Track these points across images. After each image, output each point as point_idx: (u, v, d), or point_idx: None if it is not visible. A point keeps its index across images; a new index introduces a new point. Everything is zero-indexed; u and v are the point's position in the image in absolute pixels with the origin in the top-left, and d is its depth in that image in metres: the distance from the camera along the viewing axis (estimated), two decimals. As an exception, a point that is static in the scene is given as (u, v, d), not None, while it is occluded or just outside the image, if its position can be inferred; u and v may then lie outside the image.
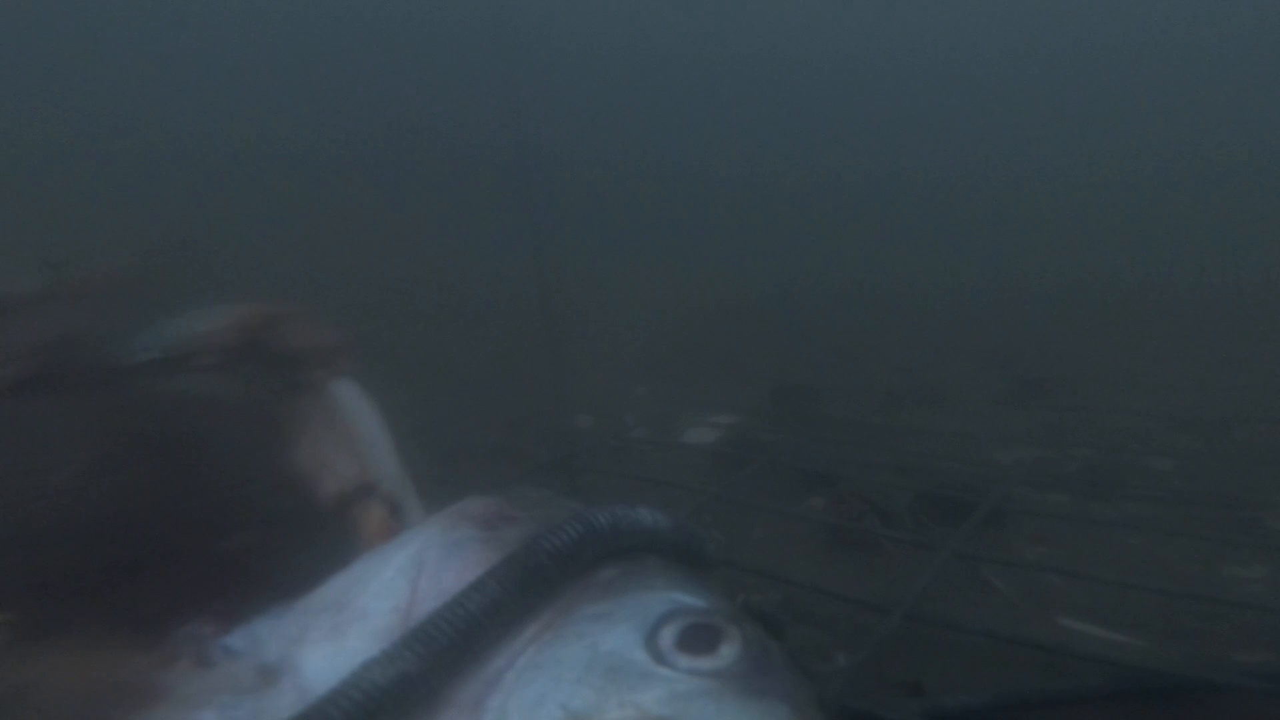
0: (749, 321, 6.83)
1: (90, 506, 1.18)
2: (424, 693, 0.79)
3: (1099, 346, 5.28)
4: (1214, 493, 2.69)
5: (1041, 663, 1.68)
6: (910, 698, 1.56)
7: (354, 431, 1.37)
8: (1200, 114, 13.61)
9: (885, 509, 2.59)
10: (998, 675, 1.65)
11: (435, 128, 12.35)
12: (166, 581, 1.12)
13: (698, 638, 0.82)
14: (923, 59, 16.18)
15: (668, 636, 0.82)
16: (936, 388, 4.37)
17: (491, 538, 1.02)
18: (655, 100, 15.57)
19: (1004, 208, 11.91)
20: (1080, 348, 5.29)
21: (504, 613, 0.84)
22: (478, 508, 1.11)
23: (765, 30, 16.82)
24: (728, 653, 0.81)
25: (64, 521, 1.16)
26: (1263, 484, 2.71)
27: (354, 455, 1.31)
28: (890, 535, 2.41)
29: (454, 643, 0.81)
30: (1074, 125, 14.31)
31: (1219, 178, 11.54)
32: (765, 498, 2.77)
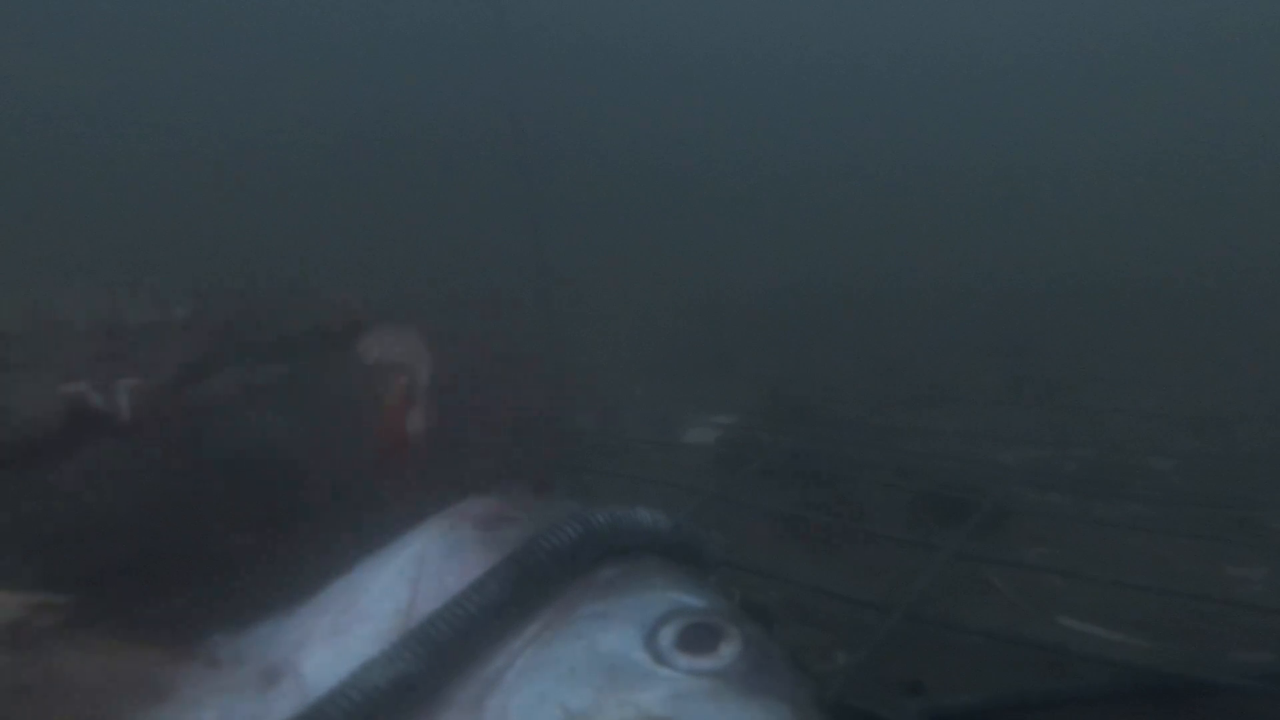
0: (749, 321, 6.83)
1: (147, 508, 1.28)
2: (423, 693, 0.79)
3: (1099, 346, 5.28)
4: (1214, 493, 2.69)
5: (1041, 663, 1.68)
6: (910, 698, 1.56)
7: (403, 345, 1.69)
8: (1202, 114, 13.61)
9: (869, 511, 2.59)
10: (998, 675, 1.65)
11: (434, 129, 12.36)
12: (191, 582, 1.17)
13: (698, 637, 0.82)
14: (925, 57, 16.18)
15: (667, 636, 0.82)
16: (937, 387, 4.37)
17: (491, 538, 1.02)
18: (657, 99, 15.57)
19: (1005, 207, 11.92)
20: (1080, 347, 5.29)
21: (503, 613, 0.84)
22: (478, 508, 1.11)
23: (767, 27, 16.81)
24: (728, 652, 0.81)
25: (128, 518, 1.28)
26: (1263, 484, 2.71)
27: (399, 350, 1.65)
28: (892, 536, 2.41)
29: (453, 643, 0.80)
30: (1077, 125, 14.31)
31: (1221, 178, 11.53)
32: (765, 498, 2.76)
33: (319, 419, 1.52)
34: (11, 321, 1.52)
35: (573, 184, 10.66)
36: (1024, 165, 13.54)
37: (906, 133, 15.24)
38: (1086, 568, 2.12)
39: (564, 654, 0.82)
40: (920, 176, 13.63)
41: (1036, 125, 14.92)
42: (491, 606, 0.83)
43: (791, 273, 9.00)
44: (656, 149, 14.62)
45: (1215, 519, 2.48)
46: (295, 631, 0.98)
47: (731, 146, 15.09)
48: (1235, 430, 3.34)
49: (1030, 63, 15.73)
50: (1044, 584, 2.09)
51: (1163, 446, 3.24)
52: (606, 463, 3.26)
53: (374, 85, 13.28)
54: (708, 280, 8.52)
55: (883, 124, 15.68)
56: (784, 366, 5.13)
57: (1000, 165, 13.59)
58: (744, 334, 6.30)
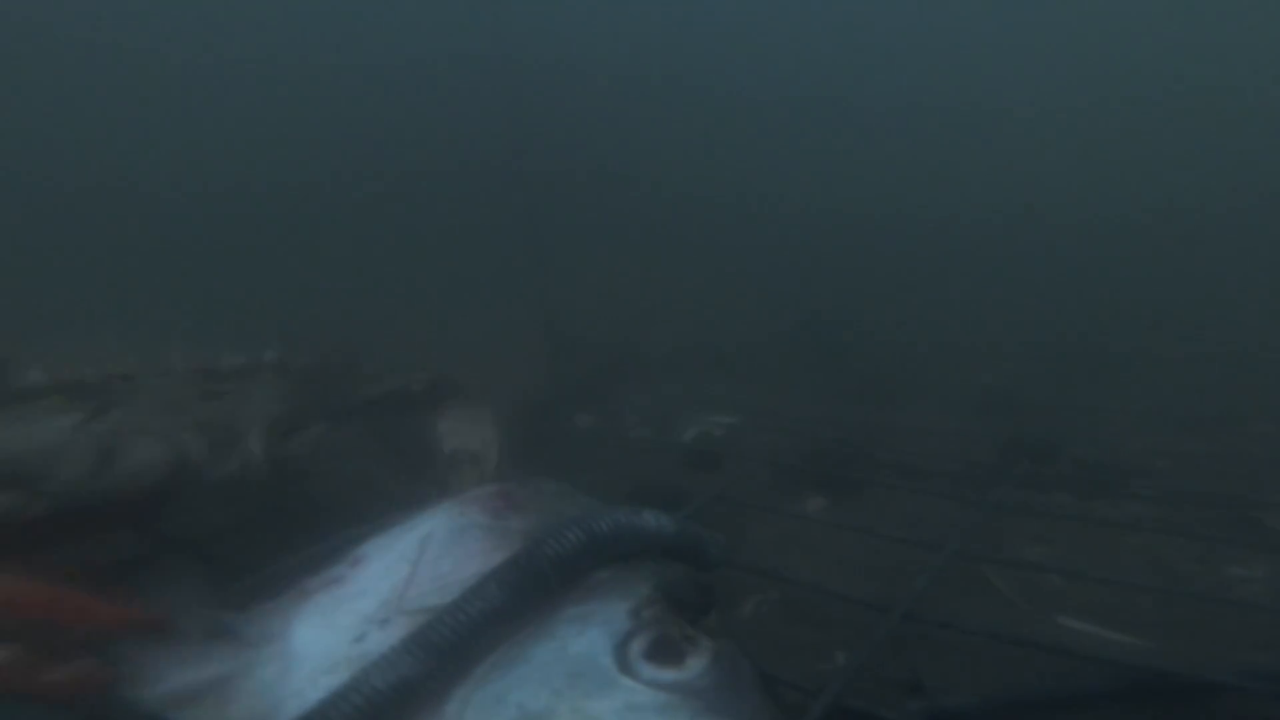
0: (749, 321, 6.83)
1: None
2: (424, 696, 0.79)
3: (1099, 346, 5.28)
4: (1214, 493, 2.69)
5: (1041, 663, 1.68)
6: (910, 698, 1.56)
7: (480, 425, 1.97)
8: (1203, 122, 13.61)
9: (869, 510, 2.59)
10: (998, 675, 1.65)
11: (436, 138, 12.35)
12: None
13: (667, 648, 0.81)
14: (931, 86, 16.15)
15: (638, 644, 0.82)
16: (937, 388, 4.37)
17: (497, 526, 1.03)
18: (657, 111, 15.59)
19: (1007, 210, 11.91)
20: (1080, 348, 5.29)
21: (503, 618, 0.84)
22: (489, 495, 1.12)
23: (770, 54, 16.79)
24: (694, 666, 0.80)
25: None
26: (1263, 484, 2.71)
27: (473, 436, 1.92)
28: (892, 535, 2.41)
29: (454, 647, 0.81)
30: (1081, 151, 14.29)
31: (1220, 180, 11.53)
32: (765, 498, 2.77)
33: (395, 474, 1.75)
34: (124, 365, 1.65)
35: (574, 185, 10.65)
36: (1029, 176, 13.54)
37: (913, 157, 15.22)
38: (1086, 568, 2.12)
39: (534, 654, 0.82)
40: (925, 194, 13.62)
41: (1045, 156, 14.89)
42: (492, 611, 0.83)
43: (793, 273, 8.99)
44: (659, 154, 14.62)
45: (1215, 519, 2.48)
46: (296, 600, 0.99)
47: (733, 153, 15.09)
48: (1235, 430, 3.35)
49: (1038, 90, 15.70)
50: (1044, 584, 2.10)
51: (1162, 446, 3.24)
52: (606, 462, 3.26)
53: (379, 106, 13.28)
54: (709, 280, 8.52)
55: (892, 151, 15.64)
56: (785, 366, 5.13)
57: (1006, 178, 13.58)
58: (744, 334, 6.30)
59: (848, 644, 1.76)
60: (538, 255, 6.19)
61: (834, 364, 4.62)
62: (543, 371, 4.85)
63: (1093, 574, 2.08)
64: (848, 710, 1.47)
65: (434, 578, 0.95)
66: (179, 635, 0.94)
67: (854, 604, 1.91)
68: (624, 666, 0.80)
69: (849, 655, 1.70)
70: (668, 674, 0.79)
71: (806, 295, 7.52)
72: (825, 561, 2.28)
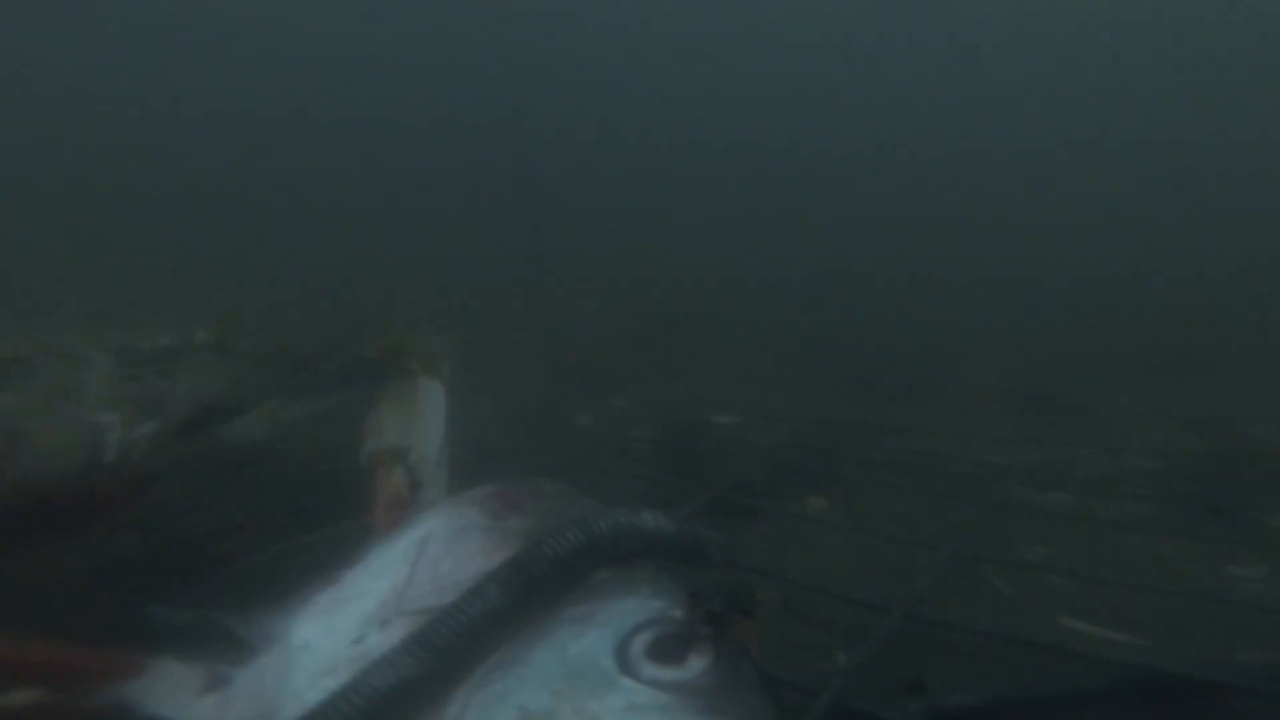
0: (749, 320, 6.83)
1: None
2: (424, 697, 0.79)
3: (1099, 346, 5.29)
4: (1214, 493, 2.69)
5: (1041, 663, 1.67)
6: (910, 698, 1.56)
7: (413, 413, 1.66)
8: (1202, 110, 13.59)
9: (869, 510, 2.59)
10: (998, 675, 1.64)
11: (434, 123, 12.32)
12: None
13: (669, 648, 0.81)
14: (923, 48, 16.11)
15: (639, 644, 0.81)
16: (937, 387, 4.37)
17: (497, 527, 1.02)
18: (658, 95, 15.54)
19: (1004, 205, 11.91)
20: (1080, 348, 5.29)
21: (503, 620, 0.84)
22: (488, 495, 1.11)
23: (757, 16, 16.70)
24: (696, 665, 0.80)
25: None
26: (1263, 484, 2.71)
27: (401, 428, 1.61)
28: (892, 536, 2.41)
29: (454, 648, 0.81)
30: (1081, 125, 14.27)
31: (1218, 178, 11.52)
32: (765, 498, 2.76)
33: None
34: (22, 350, 1.46)
35: (571, 183, 10.65)
36: (1024, 163, 13.53)
37: (909, 127, 15.19)
38: (1086, 568, 2.12)
39: (534, 655, 0.82)
40: (921, 171, 13.61)
41: (1043, 123, 14.85)
42: (492, 612, 0.83)
43: (793, 272, 9.00)
44: (657, 147, 14.61)
45: (1215, 519, 2.48)
46: (293, 602, 0.99)
47: (730, 145, 15.07)
48: (1234, 430, 3.35)
49: (1037, 62, 15.66)
50: (1044, 584, 2.10)
51: (1162, 446, 3.24)
52: (606, 463, 3.26)
53: (370, 79, 13.24)
54: (708, 280, 8.53)
55: (882, 117, 15.61)
56: (785, 365, 5.13)
57: (1001, 161, 13.57)
58: (744, 333, 6.31)
59: (848, 644, 1.76)
60: (537, 250, 6.18)
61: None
62: (542, 371, 4.86)
63: (1093, 574, 2.08)
64: (848, 710, 1.47)
65: (433, 579, 0.95)
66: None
67: (854, 604, 1.91)
68: (625, 667, 0.80)
69: (849, 655, 1.70)
70: (669, 674, 0.79)
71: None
72: (825, 561, 2.28)
